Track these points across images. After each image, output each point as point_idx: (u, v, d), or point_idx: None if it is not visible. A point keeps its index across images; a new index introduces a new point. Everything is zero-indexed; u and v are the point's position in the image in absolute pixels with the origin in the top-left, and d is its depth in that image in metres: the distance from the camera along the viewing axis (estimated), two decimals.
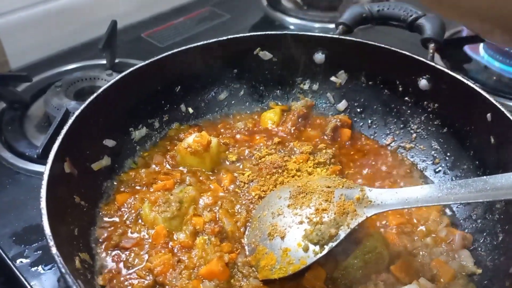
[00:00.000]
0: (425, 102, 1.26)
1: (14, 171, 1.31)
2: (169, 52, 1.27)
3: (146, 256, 1.01)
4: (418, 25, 1.40)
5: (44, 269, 1.07)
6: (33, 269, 1.07)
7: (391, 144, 1.32)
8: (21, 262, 1.08)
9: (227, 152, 1.27)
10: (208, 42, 1.32)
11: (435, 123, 1.25)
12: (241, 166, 1.24)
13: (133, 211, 1.10)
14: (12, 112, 1.50)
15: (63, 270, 0.79)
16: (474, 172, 1.15)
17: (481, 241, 1.05)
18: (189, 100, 1.38)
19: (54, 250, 0.81)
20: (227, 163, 1.25)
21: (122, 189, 1.17)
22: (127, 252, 1.03)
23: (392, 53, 1.26)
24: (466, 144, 1.18)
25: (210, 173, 1.21)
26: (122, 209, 1.11)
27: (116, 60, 1.65)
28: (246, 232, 1.06)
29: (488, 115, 1.08)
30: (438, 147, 1.25)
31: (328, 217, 0.94)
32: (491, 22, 0.59)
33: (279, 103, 1.45)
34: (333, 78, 1.40)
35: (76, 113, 1.07)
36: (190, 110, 1.38)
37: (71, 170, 1.03)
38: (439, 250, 1.04)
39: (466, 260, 1.02)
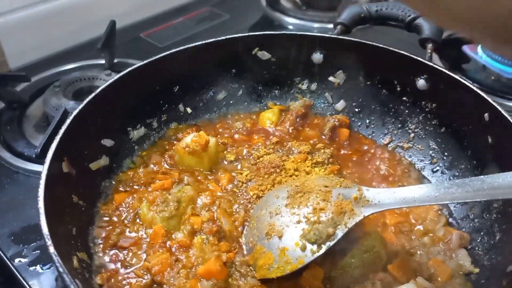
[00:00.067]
0: (423, 102, 1.26)
1: (13, 170, 1.31)
2: (168, 52, 1.27)
3: (144, 256, 1.02)
4: (416, 25, 1.40)
5: (42, 269, 1.07)
6: (31, 268, 1.07)
7: (389, 144, 1.32)
8: (20, 261, 1.08)
9: (225, 152, 1.27)
10: (207, 42, 1.31)
11: (433, 123, 1.25)
12: (239, 166, 1.24)
13: (131, 210, 1.11)
14: (10, 112, 1.50)
15: (61, 270, 0.79)
16: (472, 172, 1.15)
17: (479, 240, 1.05)
18: (188, 100, 1.38)
19: (52, 249, 0.81)
20: (225, 162, 1.25)
21: (120, 189, 1.17)
22: (125, 252, 1.03)
23: (390, 53, 1.26)
24: (463, 144, 1.18)
25: (208, 172, 1.22)
26: (120, 209, 1.11)
27: (115, 60, 1.65)
28: (244, 232, 1.06)
29: (486, 115, 1.09)
30: (436, 147, 1.25)
31: (325, 216, 0.94)
32: (479, 30, 0.59)
33: (278, 103, 1.45)
34: (331, 78, 1.40)
35: (74, 112, 1.07)
36: (189, 110, 1.38)
37: (69, 170, 1.03)
38: (436, 249, 1.04)
39: (463, 259, 1.02)
